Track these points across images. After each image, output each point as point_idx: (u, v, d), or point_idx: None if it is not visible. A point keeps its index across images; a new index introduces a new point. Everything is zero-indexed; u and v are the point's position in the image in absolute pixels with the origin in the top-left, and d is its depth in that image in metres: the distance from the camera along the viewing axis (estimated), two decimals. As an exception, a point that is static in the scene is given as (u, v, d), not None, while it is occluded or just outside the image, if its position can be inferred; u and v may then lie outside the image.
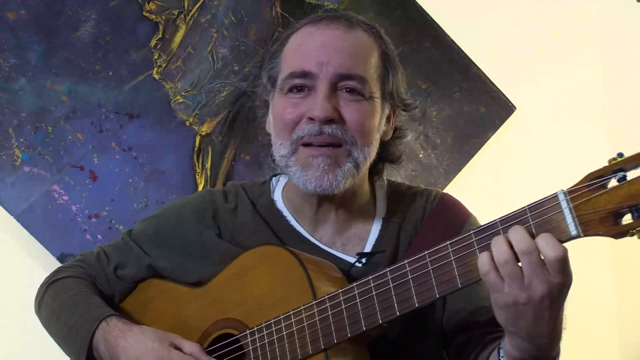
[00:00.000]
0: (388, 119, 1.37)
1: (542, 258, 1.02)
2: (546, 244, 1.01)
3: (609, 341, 2.60)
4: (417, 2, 2.39)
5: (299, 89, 1.30)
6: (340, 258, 1.33)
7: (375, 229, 1.37)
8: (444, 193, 1.43)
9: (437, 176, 2.41)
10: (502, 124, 2.47)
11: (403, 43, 2.33)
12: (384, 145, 1.38)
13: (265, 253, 1.30)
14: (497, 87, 2.46)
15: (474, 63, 2.44)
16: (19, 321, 2.07)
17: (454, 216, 1.38)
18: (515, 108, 2.47)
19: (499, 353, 1.14)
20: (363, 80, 1.28)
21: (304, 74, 1.28)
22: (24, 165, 2.10)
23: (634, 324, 2.54)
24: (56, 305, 1.43)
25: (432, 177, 2.40)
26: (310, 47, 1.30)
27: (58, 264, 2.02)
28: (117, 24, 2.18)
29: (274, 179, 1.47)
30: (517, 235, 1.03)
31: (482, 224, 1.39)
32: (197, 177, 2.22)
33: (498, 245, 1.04)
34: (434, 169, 2.41)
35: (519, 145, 2.53)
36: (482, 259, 1.05)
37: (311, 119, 1.27)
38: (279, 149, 1.32)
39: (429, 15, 2.40)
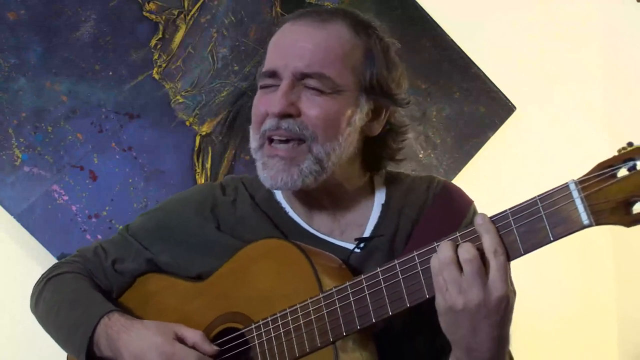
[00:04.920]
0: (377, 114, 1.34)
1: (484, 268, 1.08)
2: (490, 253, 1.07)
3: (609, 341, 2.60)
4: (417, 2, 2.39)
5: (269, 85, 1.32)
6: (339, 246, 1.33)
7: (375, 215, 1.36)
8: (445, 180, 1.44)
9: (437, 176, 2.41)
10: (502, 124, 2.47)
11: (403, 43, 2.31)
12: (376, 140, 1.36)
13: (269, 246, 1.29)
14: (497, 87, 2.46)
15: (474, 63, 2.44)
16: (19, 321, 2.06)
17: (457, 203, 1.38)
18: (515, 108, 2.47)
19: None
20: (322, 77, 1.28)
21: (273, 73, 1.30)
22: (24, 165, 2.10)
23: (634, 323, 2.54)
24: (55, 301, 1.42)
25: (432, 177, 2.40)
26: (280, 46, 1.33)
27: (58, 264, 2.03)
28: (117, 24, 2.18)
29: None
30: (464, 246, 1.09)
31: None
32: (197, 177, 2.22)
33: (442, 250, 1.10)
34: (434, 169, 2.40)
35: (519, 145, 2.53)
36: (433, 262, 1.11)
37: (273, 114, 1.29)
38: (252, 141, 1.34)
39: (429, 15, 2.40)
